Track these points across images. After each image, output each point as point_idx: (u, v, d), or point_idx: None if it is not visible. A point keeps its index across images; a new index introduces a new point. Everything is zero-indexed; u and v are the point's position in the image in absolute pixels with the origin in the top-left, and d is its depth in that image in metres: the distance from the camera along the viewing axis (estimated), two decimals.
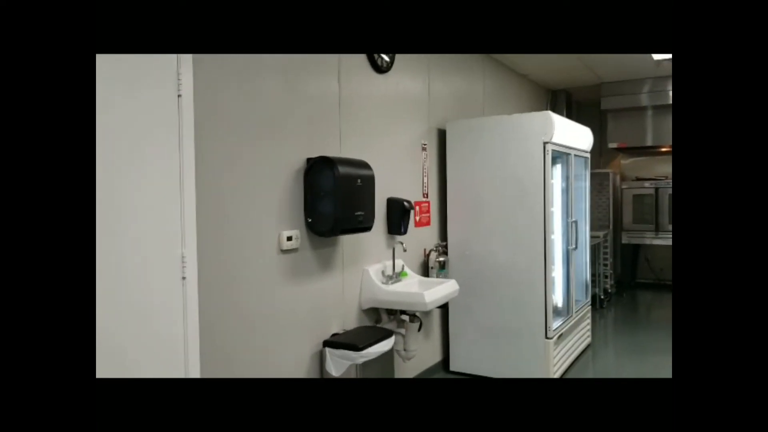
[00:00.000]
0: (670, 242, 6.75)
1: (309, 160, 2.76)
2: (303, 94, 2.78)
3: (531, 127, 3.73)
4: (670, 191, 6.67)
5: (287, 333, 2.68)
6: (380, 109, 3.42)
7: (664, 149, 7.37)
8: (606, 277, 6.62)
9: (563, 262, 4.27)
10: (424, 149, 3.95)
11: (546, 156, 3.68)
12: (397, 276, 3.36)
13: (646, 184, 6.84)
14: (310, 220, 2.74)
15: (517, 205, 3.79)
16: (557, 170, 4.31)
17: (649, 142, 6.80)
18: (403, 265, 3.46)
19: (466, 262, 3.99)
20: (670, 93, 6.35)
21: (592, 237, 6.13)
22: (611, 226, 7.02)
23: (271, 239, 2.59)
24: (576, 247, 4.26)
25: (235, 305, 2.38)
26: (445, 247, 4.04)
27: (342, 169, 2.68)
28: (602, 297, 6.23)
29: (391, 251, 3.42)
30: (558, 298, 4.28)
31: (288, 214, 2.67)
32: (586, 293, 4.77)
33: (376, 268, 3.26)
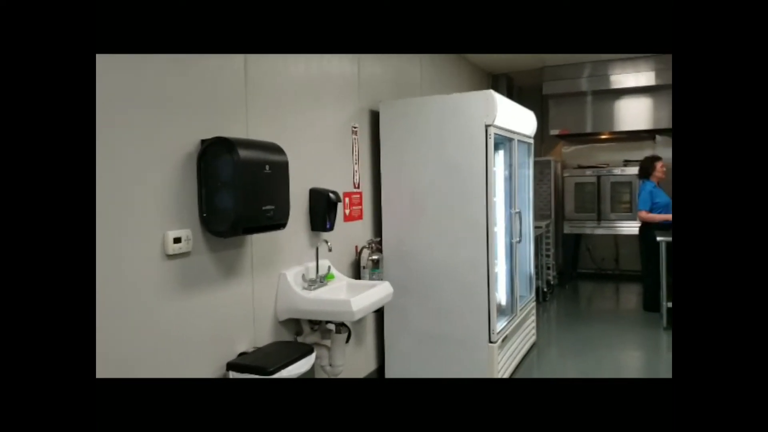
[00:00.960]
0: (611, 231, 6.63)
1: (204, 141, 2.24)
2: (200, 69, 2.25)
3: (472, 108, 3.35)
4: (611, 179, 6.53)
5: (179, 356, 2.16)
6: (301, 88, 2.93)
7: (604, 137, 7.24)
8: (549, 268, 6.42)
9: (507, 256, 3.94)
10: (354, 133, 3.48)
11: (488, 141, 3.31)
12: (321, 279, 2.89)
13: (588, 172, 6.68)
14: (205, 216, 2.22)
15: (458, 195, 3.41)
16: (500, 157, 3.96)
17: (589, 129, 6.63)
18: (329, 267, 2.99)
19: (403, 259, 3.57)
20: (611, 77, 6.18)
21: (535, 228, 5.88)
22: (553, 216, 6.82)
23: (154, 242, 2.05)
24: (520, 240, 3.94)
25: (106, 330, 1.84)
26: (380, 243, 3.61)
27: (244, 153, 2.17)
28: (545, 290, 6.01)
29: (314, 251, 2.95)
30: (502, 296, 3.95)
31: (176, 210, 2.14)
32: (530, 288, 4.48)
33: (295, 272, 2.78)
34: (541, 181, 6.95)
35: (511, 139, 3.86)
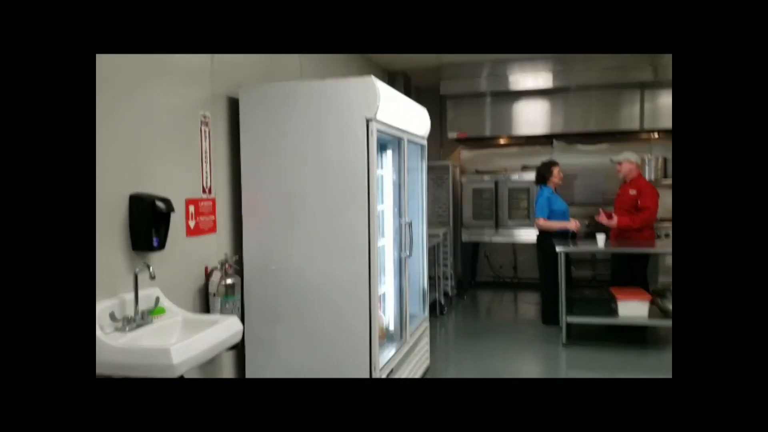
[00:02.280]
0: (509, 239, 6.38)
1: None
2: None
3: (350, 97, 2.78)
4: (509, 185, 6.28)
5: None
6: (122, 61, 2.19)
7: (503, 141, 7.02)
8: (447, 279, 6.04)
9: (396, 273, 3.42)
10: (204, 124, 2.78)
11: (370, 138, 2.75)
12: (144, 316, 2.17)
13: (486, 177, 6.40)
14: None
15: (336, 203, 2.82)
16: (387, 159, 3.43)
17: (488, 132, 6.35)
18: (157, 298, 2.27)
19: (270, 281, 2.92)
20: (510, 78, 5.92)
21: (431, 236, 5.45)
22: (451, 223, 6.47)
23: None
24: (410, 254, 3.43)
25: None
26: (239, 262, 2.93)
27: None
28: (442, 302, 5.60)
29: (133, 277, 2.21)
30: (390, 319, 3.41)
31: None
32: (424, 305, 4.00)
33: (102, 308, 2.04)
34: (440, 187, 6.58)
35: (400, 139, 3.34)
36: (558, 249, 4.43)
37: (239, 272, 2.90)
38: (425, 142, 4.00)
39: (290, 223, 2.90)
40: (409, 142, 3.53)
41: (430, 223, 6.59)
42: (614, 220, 4.74)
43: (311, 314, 2.89)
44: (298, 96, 2.87)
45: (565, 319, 4.39)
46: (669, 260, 5.98)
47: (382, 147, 3.43)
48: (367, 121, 2.75)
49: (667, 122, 5.93)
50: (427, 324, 3.97)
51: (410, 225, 3.43)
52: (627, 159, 4.88)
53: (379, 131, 2.86)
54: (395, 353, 3.17)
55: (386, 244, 3.37)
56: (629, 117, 5.98)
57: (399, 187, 3.40)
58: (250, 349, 2.97)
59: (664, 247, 5.03)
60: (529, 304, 6.10)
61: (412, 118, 3.54)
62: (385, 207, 3.38)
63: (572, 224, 5.00)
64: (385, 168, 3.41)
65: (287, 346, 2.92)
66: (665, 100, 5.88)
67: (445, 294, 5.86)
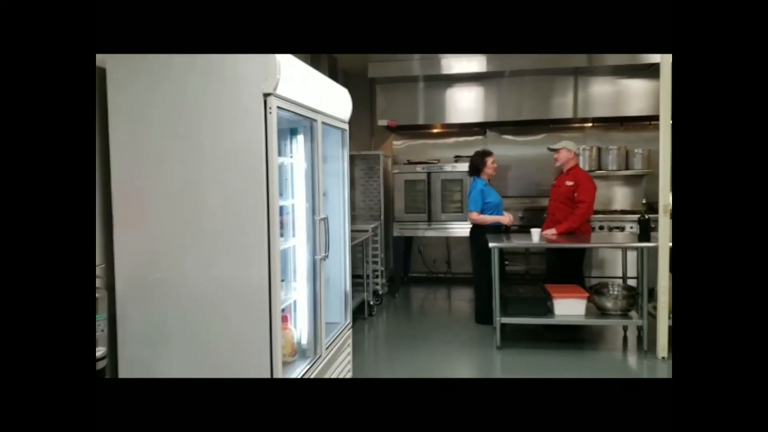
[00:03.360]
0: (443, 233, 6.06)
1: None
2: None
3: (245, 70, 2.28)
4: (442, 176, 5.95)
5: None
6: None
7: (436, 130, 6.69)
8: (377, 276, 5.64)
9: (309, 278, 2.95)
10: None
11: (269, 117, 2.27)
12: None
13: (418, 168, 6.03)
14: None
15: (231, 197, 2.33)
16: (299, 145, 2.95)
17: (421, 120, 5.99)
18: None
19: (153, 293, 2.39)
20: (442, 62, 5.55)
21: (359, 232, 5.03)
22: (382, 217, 6.07)
23: None
24: (327, 255, 2.98)
25: None
26: (108, 272, 2.38)
27: None
28: (371, 302, 5.20)
29: None
30: (302, 332, 2.95)
31: None
32: (346, 311, 3.56)
33: None
34: (370, 178, 6.17)
35: (313, 121, 2.87)
36: (491, 245, 4.12)
37: (109, 284, 2.35)
38: (347, 127, 3.55)
39: (179, 222, 2.37)
40: (326, 125, 3.07)
41: (360, 218, 6.19)
42: (553, 231, 4.49)
43: (204, 332, 2.39)
44: (179, 68, 2.34)
45: (499, 320, 4.08)
46: (605, 254, 5.85)
47: (292, 132, 2.95)
48: (265, 97, 2.26)
49: (600, 111, 5.76)
50: (349, 332, 3.54)
51: (326, 221, 2.98)
52: (564, 147, 4.64)
53: (282, 110, 2.38)
54: (308, 370, 2.72)
55: (297, 244, 2.90)
56: (563, 105, 5.77)
57: (313, 177, 2.93)
58: (125, 376, 2.42)
59: (600, 240, 4.84)
60: (462, 301, 5.81)
61: (329, 98, 3.07)
62: (296, 201, 2.91)
63: (506, 218, 4.72)
64: (296, 156, 2.93)
65: (173, 371, 2.41)
66: (598, 87, 5.71)
67: (375, 293, 5.46)
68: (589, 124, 6.38)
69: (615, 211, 6.07)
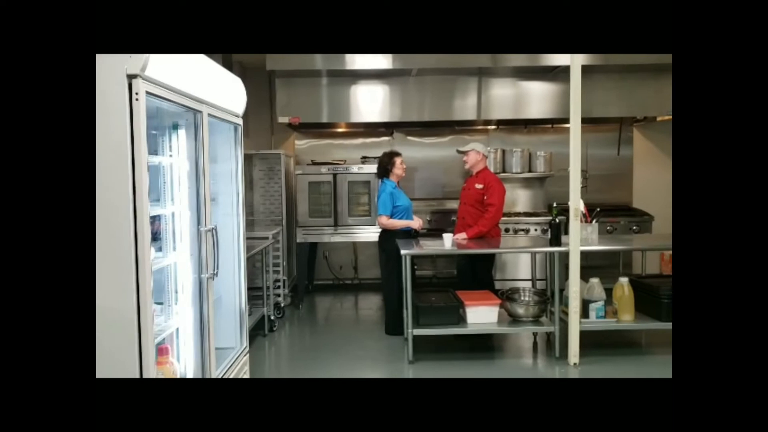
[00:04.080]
0: (350, 239, 5.73)
1: None
2: None
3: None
4: (349, 178, 5.62)
5: None
6: None
7: (341, 129, 6.36)
8: (279, 287, 5.19)
9: (195, 300, 2.49)
10: None
11: (135, 105, 1.81)
12: None
13: (323, 169, 5.66)
14: None
15: (97, 204, 1.82)
16: (180, 142, 2.48)
17: (325, 118, 5.62)
18: None
19: None
20: (347, 56, 5.22)
21: (258, 239, 4.57)
22: (284, 222, 5.63)
23: None
24: (216, 273, 2.53)
25: None
26: None
27: None
28: (272, 317, 4.75)
29: None
30: (187, 363, 2.48)
31: None
32: (242, 333, 3.12)
33: None
34: (271, 180, 5.70)
35: (197, 113, 2.42)
36: (403, 252, 3.85)
37: None
38: (240, 122, 3.11)
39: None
40: (214, 119, 2.63)
41: (260, 223, 5.70)
42: (464, 235, 4.33)
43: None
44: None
45: (412, 332, 3.82)
46: (508, 256, 5.83)
47: (174, 128, 2.47)
48: (130, 80, 1.80)
49: (503, 113, 5.71)
50: (246, 357, 3.10)
51: (215, 232, 2.53)
52: (473, 149, 4.49)
53: (154, 97, 1.92)
54: None
55: (179, 261, 2.43)
56: (467, 107, 5.65)
57: (198, 180, 2.47)
58: None
59: (510, 244, 4.75)
60: (371, 310, 5.52)
61: (218, 86, 2.63)
62: (177, 209, 2.44)
63: (416, 222, 4.50)
64: (177, 155, 2.45)
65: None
66: (501, 90, 5.65)
67: (277, 306, 5.01)
68: (494, 127, 6.37)
69: (519, 213, 6.08)
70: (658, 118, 6.01)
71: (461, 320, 3.95)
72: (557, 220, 3.82)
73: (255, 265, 4.65)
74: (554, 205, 3.88)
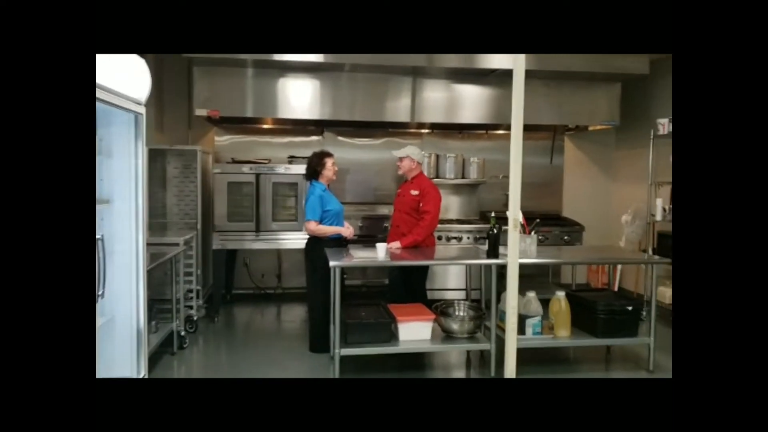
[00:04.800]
0: (273, 245, 5.29)
1: None
2: None
3: None
4: (274, 179, 5.19)
5: None
6: None
7: (267, 126, 5.90)
8: (191, 298, 4.68)
9: None
10: None
11: None
12: None
13: (245, 168, 5.19)
14: None
15: None
16: None
17: (249, 113, 5.15)
18: None
19: None
20: None
21: (168, 245, 4.05)
22: (200, 226, 5.10)
23: None
24: (103, 294, 2.07)
25: None
26: None
27: None
28: (183, 332, 4.24)
29: None
30: None
31: None
32: (139, 360, 2.65)
33: None
34: (186, 179, 5.16)
35: None
36: (332, 263, 3.50)
37: None
38: (142, 111, 2.64)
39: None
40: (105, 104, 2.16)
41: (173, 226, 5.13)
42: (398, 244, 4.05)
43: None
44: None
45: (339, 352, 3.48)
46: (446, 267, 5.62)
47: None
48: None
49: (436, 116, 5.49)
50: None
51: (102, 243, 2.07)
52: (408, 155, 4.22)
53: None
54: None
55: None
56: (400, 108, 5.38)
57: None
58: None
59: (446, 255, 4.50)
60: (294, 323, 5.12)
61: (111, 64, 2.17)
62: None
63: (347, 230, 4.16)
64: None
65: None
66: (435, 93, 5.43)
67: (189, 320, 4.50)
68: (428, 130, 6.16)
69: (451, 221, 5.90)
70: (590, 128, 6.02)
71: (393, 337, 3.66)
72: (495, 230, 3.61)
73: (165, 273, 4.14)
74: (492, 214, 3.68)
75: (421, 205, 4.12)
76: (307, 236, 4.19)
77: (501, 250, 3.67)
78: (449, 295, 5.46)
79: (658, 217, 5.11)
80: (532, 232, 3.74)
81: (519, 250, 3.45)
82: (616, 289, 5.75)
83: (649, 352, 3.74)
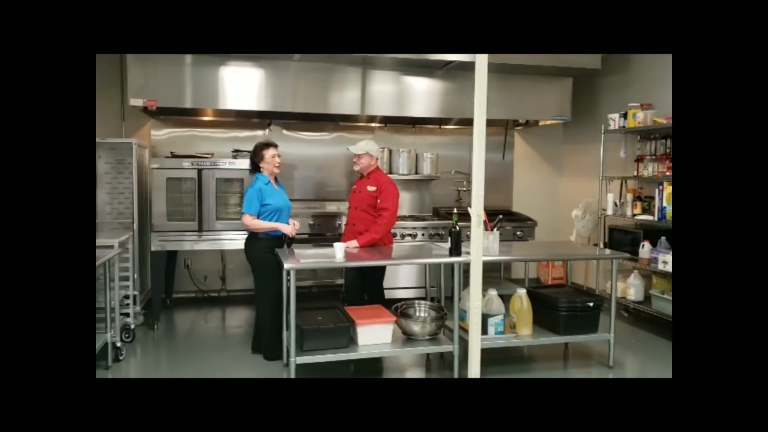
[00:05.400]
0: (218, 246, 4.95)
1: None
2: None
3: None
4: (217, 175, 4.85)
5: None
6: None
7: (209, 118, 5.53)
8: (128, 305, 4.28)
9: None
10: None
11: None
12: None
13: (186, 163, 4.81)
14: None
15: None
16: None
17: (188, 104, 4.78)
18: None
19: None
20: None
21: (101, 248, 3.66)
22: (136, 226, 4.69)
23: None
24: None
25: None
26: None
27: None
28: (119, 343, 3.85)
29: None
30: None
31: None
32: None
33: None
34: (120, 174, 4.73)
35: None
36: (287, 266, 3.25)
37: None
38: None
39: None
40: None
41: (106, 226, 4.67)
42: (355, 243, 3.85)
43: None
44: None
45: (295, 361, 3.23)
46: (409, 267, 5.45)
47: None
48: None
49: (387, 109, 5.29)
50: None
51: None
52: (367, 152, 4.02)
53: None
54: None
55: None
56: (349, 100, 5.15)
57: None
58: None
59: (403, 252, 4.32)
60: (240, 328, 4.80)
61: None
62: None
63: (288, 227, 3.86)
64: None
65: None
66: (387, 84, 5.24)
67: (125, 328, 4.11)
68: (380, 124, 5.97)
69: (404, 217, 5.74)
70: (540, 123, 6.02)
71: (352, 342, 3.45)
72: (458, 228, 3.47)
73: (99, 278, 3.74)
74: (454, 211, 3.54)
75: (378, 201, 3.93)
76: (246, 233, 3.90)
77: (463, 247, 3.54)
78: (405, 294, 5.31)
79: (609, 212, 5.16)
80: (494, 229, 3.63)
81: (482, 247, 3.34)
82: (568, 283, 5.80)
83: (609, 348, 3.73)
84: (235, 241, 4.85)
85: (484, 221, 3.53)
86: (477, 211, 3.27)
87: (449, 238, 3.50)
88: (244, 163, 4.65)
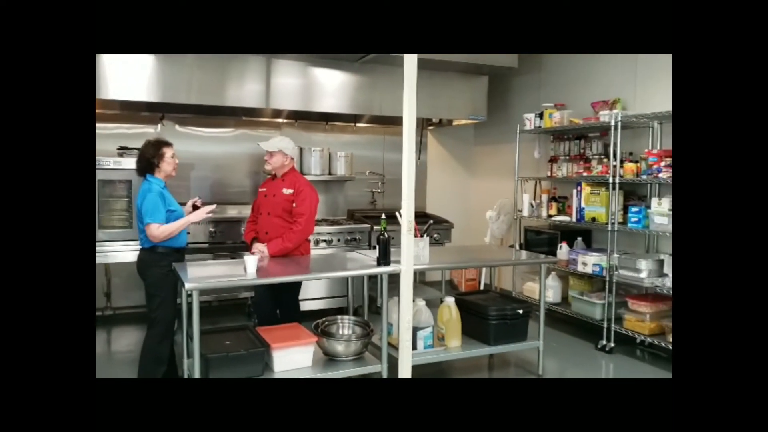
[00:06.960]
0: (100, 259, 4.23)
1: None
2: None
3: None
4: (100, 176, 4.13)
5: None
6: None
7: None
8: None
9: None
10: None
11: None
12: None
13: None
14: None
15: None
16: None
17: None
18: None
19: None
20: None
21: None
22: None
23: None
24: None
25: None
26: None
27: None
28: None
29: None
30: None
31: None
32: None
33: None
34: None
35: None
36: (188, 285, 2.73)
37: None
38: None
39: None
40: None
41: None
42: (262, 246, 3.41)
43: None
44: None
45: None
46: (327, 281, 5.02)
47: None
48: None
49: (294, 103, 4.84)
50: None
51: None
52: (281, 150, 3.57)
53: None
54: None
55: None
56: (253, 92, 4.65)
57: None
58: None
59: (327, 264, 3.89)
60: (131, 353, 4.14)
61: None
62: None
63: (197, 215, 3.33)
64: None
65: None
66: (294, 77, 4.80)
67: None
68: (288, 120, 5.51)
69: (319, 221, 5.33)
70: (454, 122, 5.89)
71: (267, 368, 3.01)
72: (386, 235, 3.15)
73: None
74: (383, 216, 3.21)
75: (294, 205, 3.51)
76: (139, 249, 3.30)
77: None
78: (323, 305, 4.92)
79: (525, 213, 5.12)
80: (424, 235, 3.35)
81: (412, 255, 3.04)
82: (482, 287, 5.72)
83: (539, 356, 3.61)
84: (123, 252, 4.17)
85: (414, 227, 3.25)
86: (408, 216, 2.97)
87: (377, 246, 3.17)
88: (132, 163, 3.99)
